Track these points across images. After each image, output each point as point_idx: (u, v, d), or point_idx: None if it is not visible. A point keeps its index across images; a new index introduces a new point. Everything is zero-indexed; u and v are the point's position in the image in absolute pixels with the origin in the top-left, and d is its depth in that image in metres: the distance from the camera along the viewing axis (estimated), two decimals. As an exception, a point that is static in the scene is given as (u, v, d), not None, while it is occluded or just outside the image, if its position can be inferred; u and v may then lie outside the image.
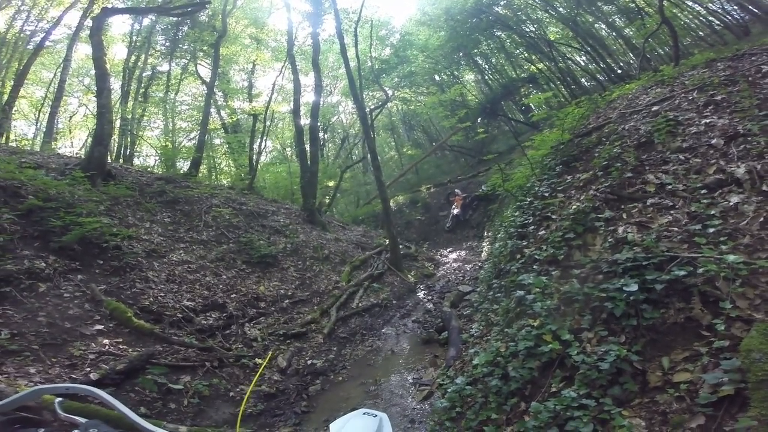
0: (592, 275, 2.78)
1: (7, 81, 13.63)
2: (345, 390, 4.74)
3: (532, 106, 16.54)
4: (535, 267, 3.45)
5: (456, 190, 14.89)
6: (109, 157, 9.51)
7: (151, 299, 5.33)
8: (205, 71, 17.15)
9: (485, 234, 11.56)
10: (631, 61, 14.72)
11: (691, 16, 13.74)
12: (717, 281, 2.09)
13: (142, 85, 16.77)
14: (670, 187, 3.07)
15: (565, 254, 3.25)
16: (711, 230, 2.44)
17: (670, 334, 2.12)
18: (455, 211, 14.02)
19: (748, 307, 1.93)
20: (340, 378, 5.08)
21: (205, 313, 5.71)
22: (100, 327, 4.41)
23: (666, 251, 2.45)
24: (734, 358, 1.74)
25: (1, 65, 13.59)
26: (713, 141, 3.19)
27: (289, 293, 7.16)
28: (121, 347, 4.22)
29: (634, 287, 2.28)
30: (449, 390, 3.05)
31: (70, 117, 18.08)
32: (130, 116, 15.52)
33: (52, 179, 6.41)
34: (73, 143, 17.87)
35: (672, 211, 2.88)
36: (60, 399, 0.87)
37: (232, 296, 6.33)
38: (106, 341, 4.21)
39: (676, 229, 2.67)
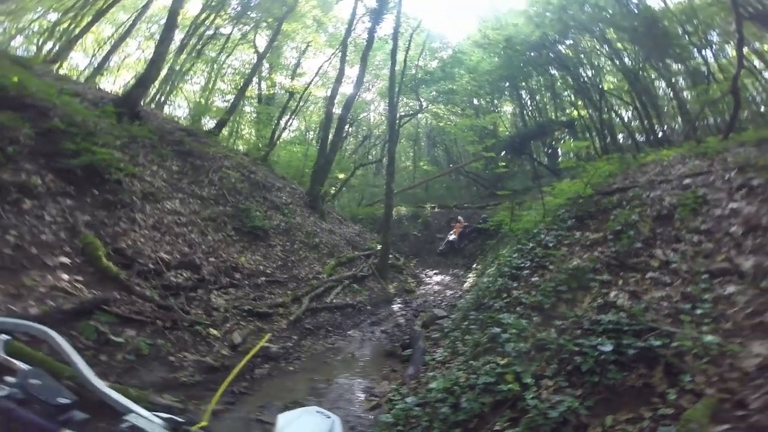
0: (572, 329, 2.76)
1: (87, 16, 13.81)
2: (293, 381, 4.58)
3: (560, 152, 16.36)
4: (518, 309, 3.39)
5: (459, 217, 14.86)
6: (142, 101, 9.75)
7: (130, 242, 5.20)
8: (261, 41, 17.41)
9: (474, 266, 11.51)
10: (676, 126, 14.51)
11: (760, 89, 13.22)
12: (686, 356, 2.19)
13: (201, 42, 16.99)
14: (674, 266, 3.07)
15: (551, 304, 3.20)
16: (699, 311, 2.53)
17: (624, 395, 2.21)
18: (452, 237, 14.00)
19: (704, 382, 2.02)
20: (292, 368, 4.91)
21: (177, 270, 5.55)
22: (66, 260, 4.22)
23: (649, 321, 2.51)
24: (673, 425, 1.80)
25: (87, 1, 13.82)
26: (732, 229, 3.15)
27: (268, 271, 7.03)
28: (78, 286, 4.00)
29: (609, 348, 2.35)
30: (397, 407, 2.95)
31: (124, 58, 18.31)
32: (177, 68, 15.81)
33: (84, 108, 6.53)
34: (116, 82, 18.01)
35: (667, 288, 2.89)
36: (7, 338, 0.74)
37: (210, 259, 6.21)
38: (65, 276, 4.00)
39: (665, 304, 2.71)
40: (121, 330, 3.92)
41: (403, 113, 17.83)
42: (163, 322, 4.40)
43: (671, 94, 15.56)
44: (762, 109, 13.14)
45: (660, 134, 14.52)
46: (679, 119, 14.86)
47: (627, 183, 5.12)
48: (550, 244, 4.36)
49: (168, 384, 3.74)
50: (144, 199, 6.00)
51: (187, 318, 4.78)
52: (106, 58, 14.72)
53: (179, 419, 0.66)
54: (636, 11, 14.28)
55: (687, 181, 4.31)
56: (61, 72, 12.19)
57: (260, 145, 15.23)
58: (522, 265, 4.39)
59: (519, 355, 2.68)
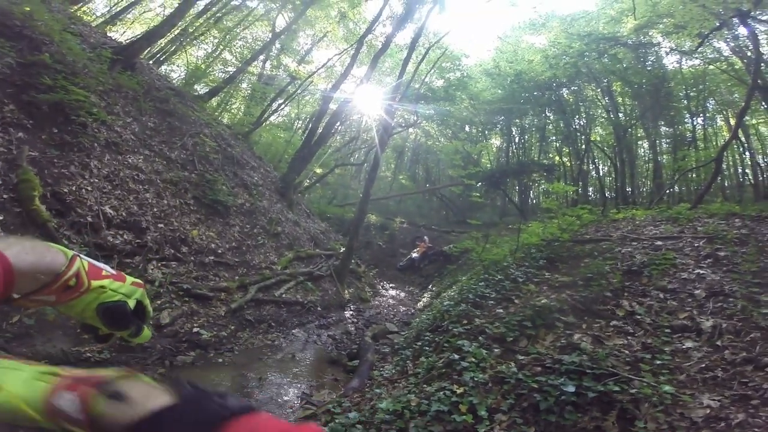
0: (532, 365, 2.66)
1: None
2: (219, 375, 4.15)
3: (532, 194, 16.73)
4: (480, 338, 3.24)
5: (425, 237, 15.03)
6: (143, 54, 9.51)
7: (74, 188, 4.65)
8: (280, 21, 17.13)
9: (430, 287, 11.53)
10: (644, 190, 15.22)
11: (739, 160, 14.02)
12: (641, 402, 2.25)
13: (223, 10, 16.34)
14: (638, 317, 3.14)
15: (514, 338, 3.09)
16: (657, 362, 2.62)
17: None
18: (414, 255, 14.09)
19: (655, 429, 2.09)
20: (221, 360, 4.48)
21: (119, 229, 5.01)
22: None
23: (610, 367, 2.55)
24: None
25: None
26: (696, 292, 3.31)
27: (219, 251, 6.52)
28: (-9, 227, 3.45)
29: (572, 389, 2.37)
30: (337, 420, 2.68)
31: (143, 12, 17.27)
32: (191, 30, 15.23)
33: (81, 49, 6.34)
34: (126, 33, 16.90)
35: (629, 337, 2.95)
36: None
37: (159, 226, 5.65)
38: None
39: (627, 352, 2.77)
40: (28, 287, 3.36)
41: (396, 124, 17.79)
42: (83, 287, 3.87)
43: (650, 156, 16.47)
44: (727, 182, 14.11)
45: (629, 193, 15.31)
46: (649, 183, 15.76)
47: (599, 235, 5.28)
48: (519, 279, 4.35)
49: (67, 358, 3.24)
50: (105, 148, 5.59)
51: (114, 286, 4.25)
52: (126, 8, 14.31)
53: None
54: (649, 69, 15.03)
55: (658, 243, 4.50)
56: (78, 14, 11.50)
57: (245, 123, 14.66)
58: (487, 294, 4.32)
59: (476, 386, 2.52)
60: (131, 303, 0.59)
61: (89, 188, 4.89)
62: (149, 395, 0.41)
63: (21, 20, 5.45)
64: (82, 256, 0.56)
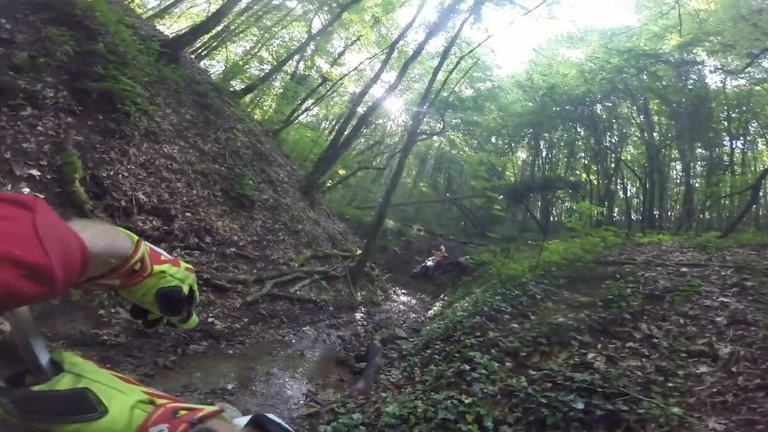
0: (543, 380, 2.64)
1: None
2: (228, 366, 4.22)
3: (554, 212, 16.17)
4: (492, 351, 3.21)
5: (441, 246, 14.91)
6: (187, 48, 10.00)
7: (112, 173, 4.91)
8: (316, 23, 17.65)
9: (442, 296, 11.44)
10: (672, 214, 14.44)
11: None
12: (648, 423, 2.23)
13: (264, 8, 17.04)
14: (655, 340, 3.07)
15: (528, 353, 3.05)
16: (669, 384, 2.58)
17: None
18: (429, 263, 13.99)
19: None
20: (231, 351, 4.56)
21: (149, 215, 5.24)
22: (36, 173, 3.94)
23: (622, 387, 2.56)
24: None
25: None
26: (718, 319, 3.20)
27: (241, 243, 6.71)
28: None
29: (581, 406, 2.37)
30: (340, 420, 2.71)
31: (190, 7, 18.22)
32: (233, 27, 15.88)
33: (132, 40, 6.67)
34: (173, 27, 17.84)
35: (644, 359, 2.90)
36: None
37: (186, 215, 5.87)
38: (25, 190, 3.71)
39: (639, 373, 2.73)
40: (59, 267, 3.56)
41: (421, 131, 17.78)
42: (110, 269, 4.06)
43: (682, 179, 15.57)
44: (763, 211, 13.21)
45: (656, 216, 14.71)
46: (679, 207, 15.00)
47: (623, 258, 5.15)
48: (538, 296, 4.30)
49: (85, 340, 3.38)
50: (144, 137, 5.86)
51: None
52: (175, 3, 14.95)
53: None
54: (690, 87, 14.41)
55: (684, 269, 4.35)
56: (131, 6, 12.31)
57: (275, 120, 15.10)
58: (503, 308, 4.29)
59: (485, 397, 2.51)
60: (185, 288, 0.60)
61: (126, 174, 5.15)
62: None
63: (82, 10, 5.70)
64: (145, 241, 0.57)
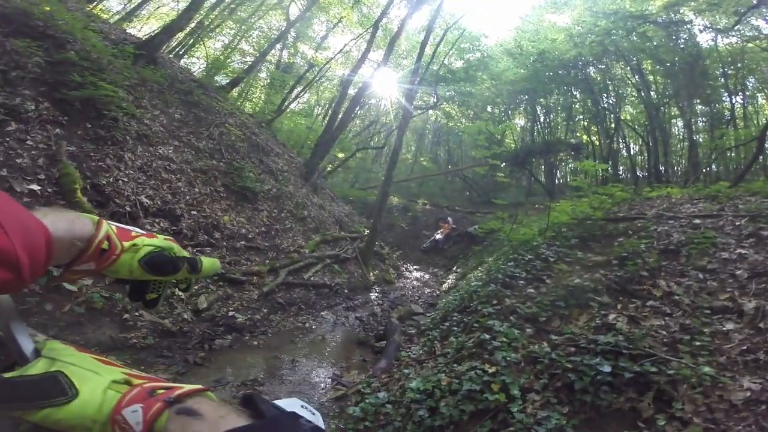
0: (566, 345, 2.63)
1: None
2: (254, 357, 4.31)
3: (558, 174, 16.10)
4: (511, 318, 3.21)
5: (449, 218, 14.82)
6: (163, 48, 9.71)
7: (111, 180, 4.87)
8: (294, 10, 17.07)
9: (454, 268, 11.47)
10: (678, 169, 14.39)
11: None
12: (679, 384, 2.21)
13: (235, 1, 16.52)
14: (676, 298, 3.00)
15: (547, 318, 3.04)
16: (696, 343, 2.54)
17: (608, 417, 2.23)
18: (438, 236, 13.95)
19: (692, 411, 2.06)
20: (255, 343, 4.64)
21: (155, 217, 5.24)
22: (36, 188, 3.90)
23: (647, 348, 2.49)
24: None
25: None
26: (738, 272, 3.12)
27: (250, 236, 6.72)
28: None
29: (608, 369, 2.34)
30: (367, 400, 2.76)
31: (157, 7, 17.73)
32: (207, 23, 15.49)
33: (104, 45, 6.46)
34: (143, 29, 17.42)
35: (667, 318, 2.84)
36: None
37: (192, 213, 5.87)
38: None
39: (664, 332, 2.69)
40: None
41: (415, 106, 17.45)
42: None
43: (685, 134, 15.50)
44: None
45: (662, 172, 14.59)
46: (684, 162, 14.89)
47: (633, 214, 5.04)
48: (551, 259, 4.25)
49: (115, 344, 3.44)
50: (137, 140, 5.78)
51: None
52: (140, 5, 14.63)
53: None
54: (681, 47, 14.15)
55: (697, 221, 4.26)
56: (94, 12, 11.86)
57: (266, 111, 14.88)
58: (517, 274, 4.26)
59: (508, 365, 2.53)
60: (169, 252, 0.59)
61: (125, 179, 5.11)
62: (222, 414, 0.39)
63: (42, 20, 5.52)
64: (107, 221, 0.56)
